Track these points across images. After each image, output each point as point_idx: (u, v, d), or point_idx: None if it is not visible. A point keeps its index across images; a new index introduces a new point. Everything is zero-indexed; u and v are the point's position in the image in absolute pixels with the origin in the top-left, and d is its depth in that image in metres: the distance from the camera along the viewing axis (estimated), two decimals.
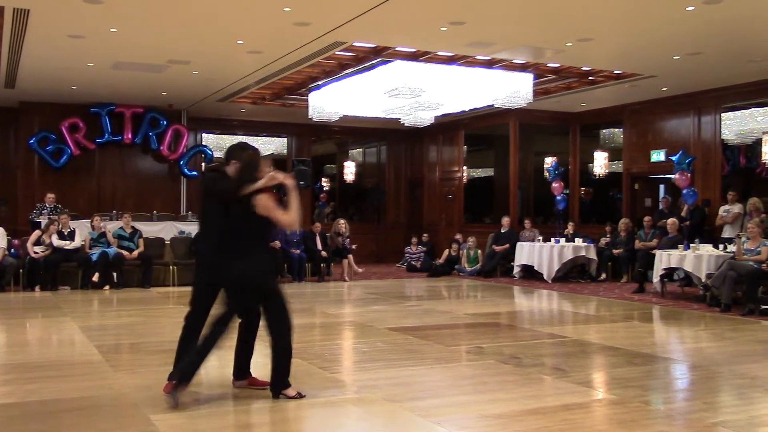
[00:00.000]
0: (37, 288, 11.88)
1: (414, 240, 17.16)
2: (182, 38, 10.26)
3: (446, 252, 15.93)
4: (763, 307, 9.28)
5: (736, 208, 11.92)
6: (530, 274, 14.17)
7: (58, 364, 6.35)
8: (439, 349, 6.97)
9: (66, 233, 12.38)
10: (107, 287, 12.18)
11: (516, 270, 14.47)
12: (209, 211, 5.19)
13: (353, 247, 14.77)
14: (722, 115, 13.28)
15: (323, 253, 14.19)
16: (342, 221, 15.02)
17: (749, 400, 5.26)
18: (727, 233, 11.93)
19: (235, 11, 8.87)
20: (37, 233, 12.32)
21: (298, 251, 13.70)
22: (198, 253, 5.40)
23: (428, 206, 18.88)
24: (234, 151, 5.11)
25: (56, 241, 12.20)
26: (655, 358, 6.70)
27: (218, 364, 6.68)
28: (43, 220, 12.99)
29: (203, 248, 5.22)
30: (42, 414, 4.67)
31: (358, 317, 9.04)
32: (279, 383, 4.98)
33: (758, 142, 12.77)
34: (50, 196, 14.04)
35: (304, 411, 4.80)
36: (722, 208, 12.27)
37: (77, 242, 12.39)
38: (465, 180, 17.76)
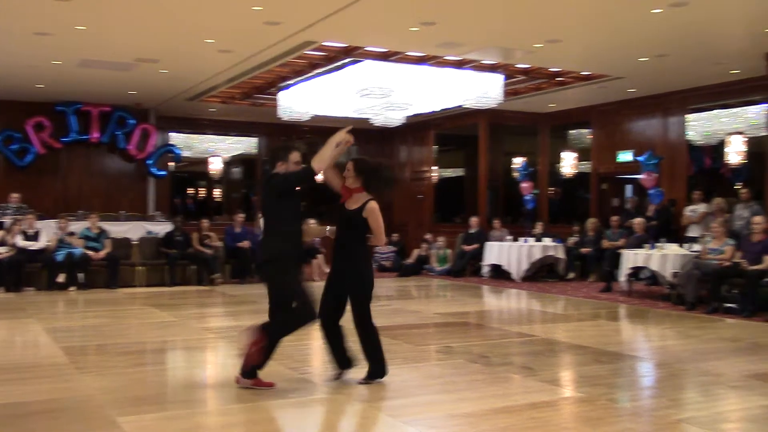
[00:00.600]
0: (0, 289, 11.69)
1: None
2: (151, 36, 10.15)
3: (416, 252, 15.97)
4: (727, 305, 9.46)
5: (702, 207, 12.07)
6: (499, 273, 14.23)
7: (23, 366, 6.23)
8: (409, 348, 6.98)
9: (31, 233, 12.19)
10: (73, 288, 12.01)
11: (485, 269, 14.54)
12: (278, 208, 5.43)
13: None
14: (688, 116, 13.47)
15: None
16: (312, 221, 14.92)
17: (713, 397, 5.34)
18: (692, 233, 12.10)
19: (205, 10, 8.79)
20: (0, 234, 12.12)
21: None
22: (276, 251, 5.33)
23: (398, 206, 18.87)
24: (278, 152, 5.39)
25: (20, 242, 12.00)
26: (622, 356, 6.78)
27: (186, 365, 6.65)
28: (7, 221, 12.77)
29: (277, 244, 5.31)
30: (6, 417, 4.58)
31: None
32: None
33: (722, 143, 12.96)
34: (14, 195, 13.81)
35: (274, 412, 4.78)
36: (688, 208, 12.43)
37: (42, 243, 12.20)
38: (435, 180, 17.81)
